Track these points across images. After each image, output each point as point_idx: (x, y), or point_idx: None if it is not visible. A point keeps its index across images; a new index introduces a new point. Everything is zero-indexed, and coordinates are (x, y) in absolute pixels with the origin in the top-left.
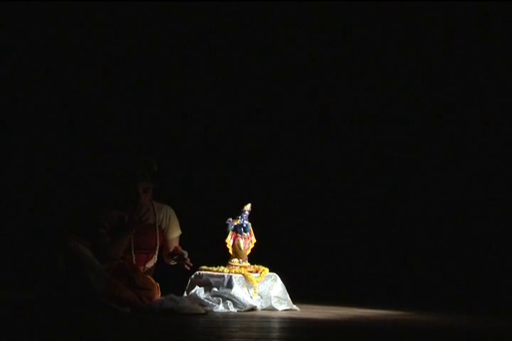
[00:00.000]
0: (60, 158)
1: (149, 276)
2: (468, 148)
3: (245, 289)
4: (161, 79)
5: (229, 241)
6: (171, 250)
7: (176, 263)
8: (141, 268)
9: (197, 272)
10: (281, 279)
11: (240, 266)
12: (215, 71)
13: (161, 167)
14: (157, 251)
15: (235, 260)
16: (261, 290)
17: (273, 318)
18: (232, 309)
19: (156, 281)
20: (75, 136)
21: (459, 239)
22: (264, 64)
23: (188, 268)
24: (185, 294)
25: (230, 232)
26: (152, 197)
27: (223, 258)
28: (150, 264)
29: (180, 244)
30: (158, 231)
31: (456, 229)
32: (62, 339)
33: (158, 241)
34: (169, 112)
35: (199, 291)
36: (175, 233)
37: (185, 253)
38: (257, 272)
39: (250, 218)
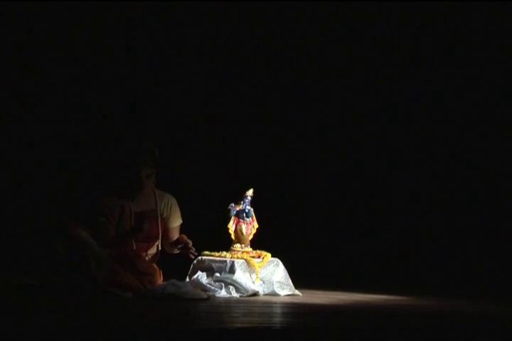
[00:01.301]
0: (61, 145)
1: (151, 262)
2: None
3: (247, 274)
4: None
5: (231, 226)
6: (175, 239)
7: (179, 251)
8: (144, 254)
9: (199, 257)
10: (284, 264)
11: (242, 251)
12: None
13: (161, 153)
14: (159, 240)
15: (237, 245)
16: (263, 275)
17: (275, 303)
18: (235, 294)
19: (159, 267)
20: (76, 124)
21: (459, 224)
22: None
23: (193, 257)
24: (187, 279)
25: (232, 217)
26: (154, 184)
27: (225, 243)
28: (152, 251)
29: (181, 232)
30: (159, 220)
31: (462, 212)
32: (61, 325)
33: (159, 230)
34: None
35: (201, 276)
36: (176, 222)
37: (190, 243)
38: (259, 257)
39: (252, 203)
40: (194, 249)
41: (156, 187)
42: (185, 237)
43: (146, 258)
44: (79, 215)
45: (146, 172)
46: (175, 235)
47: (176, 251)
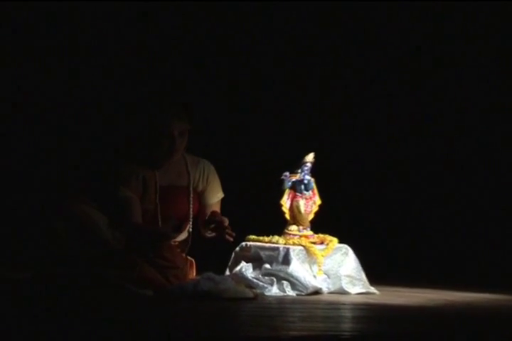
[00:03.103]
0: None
1: (180, 251)
2: None
3: (307, 266)
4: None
5: (285, 202)
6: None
7: (213, 235)
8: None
9: (243, 243)
10: (355, 252)
11: (300, 236)
12: None
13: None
14: (190, 221)
15: (294, 227)
16: (328, 268)
17: (344, 305)
18: (290, 292)
19: (191, 256)
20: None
21: None
22: None
23: (231, 240)
24: (227, 272)
25: (287, 191)
26: (185, 148)
27: (278, 225)
28: (181, 236)
29: (221, 210)
30: (192, 196)
31: None
32: (59, 332)
33: (191, 209)
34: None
35: (246, 268)
36: (215, 197)
37: (226, 221)
38: (322, 243)
39: (313, 172)
40: (231, 229)
41: (187, 153)
42: (218, 213)
43: (174, 244)
44: (89, 186)
45: (180, 127)
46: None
47: (210, 234)
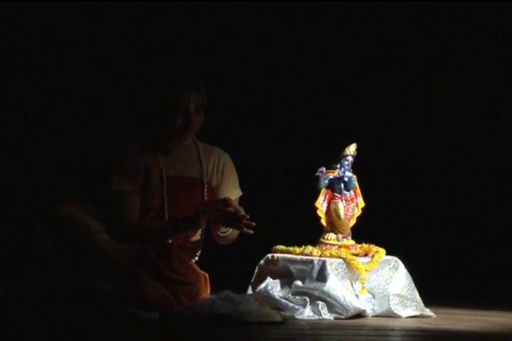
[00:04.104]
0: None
1: (193, 263)
2: None
3: (348, 283)
4: None
5: (321, 204)
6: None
7: (228, 231)
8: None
9: (269, 255)
10: (406, 267)
11: (339, 246)
12: None
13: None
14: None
15: (331, 235)
16: (373, 285)
17: (393, 330)
18: (326, 315)
19: (203, 270)
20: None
21: None
22: None
23: (250, 232)
24: (249, 291)
25: (323, 190)
26: (200, 129)
27: (311, 232)
28: (194, 239)
29: None
30: (205, 191)
31: None
32: None
33: None
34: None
35: (272, 286)
36: (232, 194)
37: (240, 210)
38: (366, 255)
39: (355, 168)
40: (249, 218)
41: (199, 139)
42: (232, 201)
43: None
44: (78, 181)
45: (197, 100)
46: None
47: (224, 231)
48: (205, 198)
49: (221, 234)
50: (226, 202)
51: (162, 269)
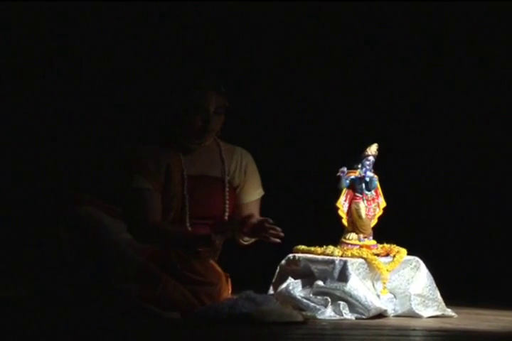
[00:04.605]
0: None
1: (213, 262)
2: None
3: (369, 283)
4: None
5: (342, 204)
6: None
7: (250, 241)
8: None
9: (290, 255)
10: (428, 267)
11: (361, 246)
12: None
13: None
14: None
15: (352, 235)
16: (394, 285)
17: (414, 330)
18: (348, 315)
19: (224, 270)
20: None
21: None
22: None
23: (278, 241)
24: (271, 291)
25: (345, 190)
26: (221, 129)
27: (333, 232)
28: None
29: (260, 212)
30: (227, 190)
31: None
32: None
33: (227, 205)
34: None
35: (294, 286)
36: (254, 193)
37: (269, 220)
38: (387, 255)
39: (376, 168)
40: (278, 229)
41: (220, 138)
42: (256, 215)
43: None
44: (98, 182)
45: (217, 102)
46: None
47: (247, 241)
48: (227, 197)
49: (244, 243)
50: (244, 222)
51: (182, 270)
